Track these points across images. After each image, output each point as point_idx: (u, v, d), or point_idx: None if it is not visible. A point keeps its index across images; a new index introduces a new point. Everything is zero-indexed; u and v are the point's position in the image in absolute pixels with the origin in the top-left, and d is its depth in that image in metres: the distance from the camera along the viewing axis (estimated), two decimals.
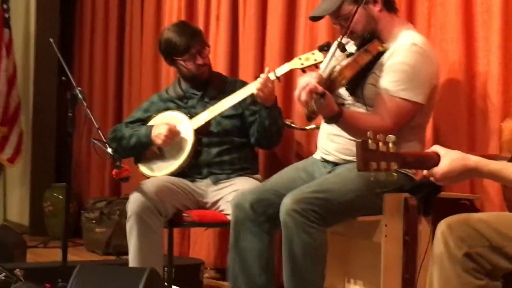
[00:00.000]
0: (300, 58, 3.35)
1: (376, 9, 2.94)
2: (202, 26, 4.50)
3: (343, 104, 2.91)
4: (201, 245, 4.39)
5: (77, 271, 2.84)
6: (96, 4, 5.92)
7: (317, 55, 3.29)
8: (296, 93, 2.72)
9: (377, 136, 1.94)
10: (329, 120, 2.79)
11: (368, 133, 1.93)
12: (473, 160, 2.05)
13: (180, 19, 4.72)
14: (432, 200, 2.75)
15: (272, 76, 3.36)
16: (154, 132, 3.52)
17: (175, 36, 3.59)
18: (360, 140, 1.91)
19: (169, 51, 3.63)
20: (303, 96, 2.67)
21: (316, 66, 3.28)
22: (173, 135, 3.50)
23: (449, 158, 2.04)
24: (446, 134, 3.21)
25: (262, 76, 3.33)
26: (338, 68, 2.85)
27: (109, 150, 3.26)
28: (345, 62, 2.86)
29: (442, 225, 2.02)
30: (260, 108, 3.46)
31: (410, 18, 3.37)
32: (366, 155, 1.90)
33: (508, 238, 1.97)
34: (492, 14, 3.08)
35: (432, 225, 2.81)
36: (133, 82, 5.44)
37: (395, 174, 1.96)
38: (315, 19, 3.09)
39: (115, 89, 5.64)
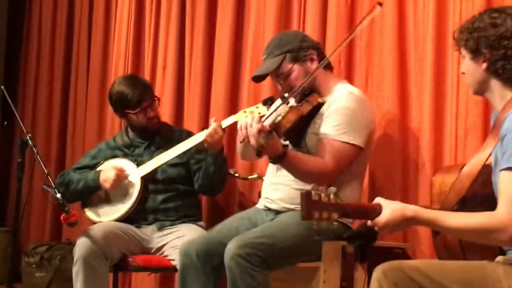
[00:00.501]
0: (245, 111, 3.47)
1: (312, 66, 3.15)
2: (148, 76, 4.60)
3: (287, 146, 3.08)
4: None
5: None
6: (41, 49, 5.87)
7: (261, 109, 3.42)
8: (242, 131, 2.86)
9: (320, 188, 2.10)
10: (274, 160, 2.94)
11: (312, 185, 2.09)
12: (412, 209, 2.22)
13: (126, 67, 4.82)
14: (368, 248, 2.91)
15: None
16: (103, 176, 3.62)
17: (127, 90, 3.71)
18: (304, 191, 2.07)
19: (121, 104, 3.74)
20: (253, 131, 2.81)
21: None
22: (122, 179, 3.61)
23: (390, 209, 2.20)
24: (382, 184, 3.41)
25: (213, 124, 3.44)
26: (282, 114, 3.03)
27: (59, 195, 3.34)
28: (287, 110, 3.05)
29: (378, 271, 2.19)
30: (207, 155, 3.59)
31: (349, 77, 3.60)
32: (309, 205, 2.06)
33: (438, 284, 2.14)
34: (424, 74, 3.32)
35: (367, 271, 2.94)
36: (77, 128, 5.41)
37: (335, 223, 2.13)
38: (257, 79, 3.28)
39: (58, 135, 5.57)
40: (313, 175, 2.94)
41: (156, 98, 3.83)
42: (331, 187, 2.14)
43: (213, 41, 4.35)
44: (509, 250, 2.30)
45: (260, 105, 3.43)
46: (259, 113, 3.43)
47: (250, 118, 2.91)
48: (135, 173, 3.66)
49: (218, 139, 3.45)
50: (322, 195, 2.09)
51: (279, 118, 3.03)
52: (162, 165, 3.65)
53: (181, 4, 4.53)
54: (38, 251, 5.24)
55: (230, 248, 2.91)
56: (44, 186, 3.40)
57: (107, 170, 3.64)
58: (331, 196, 2.11)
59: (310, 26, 3.79)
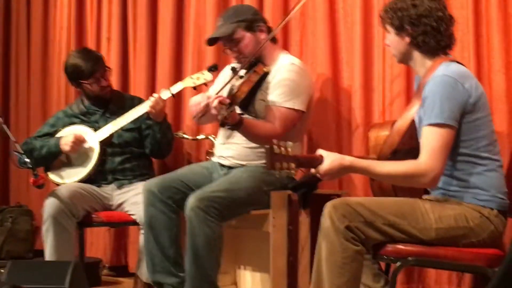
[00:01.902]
0: (191, 77, 3.82)
1: (261, 36, 3.53)
2: (93, 46, 4.80)
3: (242, 114, 3.46)
4: (97, 245, 4.78)
5: (10, 266, 3.17)
6: None
7: (207, 75, 3.77)
8: (202, 102, 3.20)
9: (280, 142, 2.51)
10: (233, 126, 3.29)
11: (274, 140, 2.50)
12: (348, 159, 2.65)
13: (69, 40, 5.04)
14: (310, 196, 3.35)
15: (167, 94, 3.84)
16: (63, 141, 3.92)
17: (81, 62, 4.00)
18: (268, 146, 2.48)
19: (75, 76, 4.04)
20: (215, 104, 3.15)
21: (205, 84, 3.77)
22: (80, 141, 3.92)
23: (330, 159, 2.62)
24: (319, 140, 3.83)
25: (155, 95, 3.82)
26: (236, 86, 3.41)
27: (27, 160, 3.63)
28: (240, 81, 3.44)
29: (328, 206, 2.62)
30: (152, 123, 3.94)
31: (286, 44, 3.98)
32: (272, 158, 2.48)
33: (377, 215, 2.59)
34: (354, 42, 3.74)
35: (310, 216, 3.38)
36: (20, 100, 5.47)
37: (293, 172, 2.55)
38: (211, 42, 3.61)
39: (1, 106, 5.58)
40: (264, 137, 3.29)
41: (107, 68, 4.13)
42: (288, 142, 2.56)
43: (156, 11, 4.61)
44: (432, 190, 2.78)
45: (205, 71, 3.77)
46: (205, 79, 3.77)
47: (200, 97, 3.25)
48: (93, 138, 3.98)
49: (160, 109, 3.80)
50: (282, 148, 2.51)
51: (234, 90, 3.40)
52: (117, 130, 3.97)
53: None
54: None
55: (190, 201, 3.28)
56: (15, 152, 3.67)
57: (67, 136, 3.94)
58: (289, 149, 2.53)
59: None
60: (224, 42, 3.57)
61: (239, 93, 3.38)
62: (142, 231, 3.71)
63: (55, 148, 3.95)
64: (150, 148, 4.05)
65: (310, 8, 3.93)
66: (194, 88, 3.82)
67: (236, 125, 3.26)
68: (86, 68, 4.00)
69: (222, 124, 3.30)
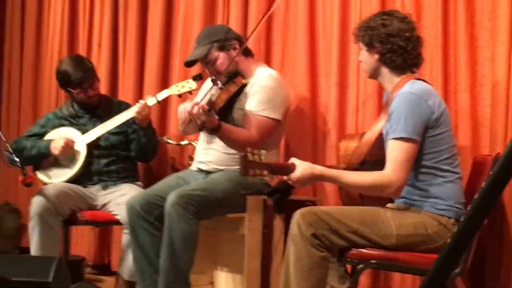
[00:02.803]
0: (177, 86, 3.99)
1: (235, 54, 3.69)
2: (84, 52, 4.98)
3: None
4: (82, 244, 4.94)
5: None
6: None
7: (191, 84, 3.94)
8: (188, 109, 3.35)
9: (254, 150, 2.70)
10: (211, 131, 3.46)
11: (248, 148, 2.68)
12: (319, 169, 2.83)
13: (62, 44, 5.20)
14: (284, 202, 3.53)
15: (153, 100, 4.02)
16: (53, 145, 4.08)
17: (72, 70, 4.14)
18: (242, 154, 2.67)
19: (65, 82, 4.19)
20: (195, 110, 3.32)
21: (190, 93, 3.94)
22: (69, 147, 4.10)
23: (302, 167, 2.80)
24: (295, 150, 4.01)
25: (141, 102, 3.99)
26: (215, 94, 3.60)
27: (17, 159, 3.79)
28: (219, 91, 3.63)
29: (296, 214, 2.80)
30: (138, 128, 4.11)
31: (268, 56, 4.17)
32: (246, 165, 2.66)
33: (341, 223, 2.78)
34: (331, 56, 3.91)
35: (284, 221, 3.55)
36: (11, 103, 5.61)
37: (267, 178, 2.74)
38: (189, 64, 3.80)
39: None
40: (241, 143, 3.46)
41: (97, 79, 4.28)
42: (262, 150, 2.75)
43: (146, 20, 4.80)
44: (396, 199, 2.97)
45: (190, 80, 3.95)
46: (190, 88, 3.95)
47: (188, 103, 3.41)
48: (81, 141, 4.15)
49: (146, 115, 3.97)
50: (256, 156, 2.70)
51: (214, 98, 3.59)
52: (104, 134, 4.14)
53: None
54: None
55: (171, 198, 3.45)
56: (5, 151, 3.84)
57: (57, 140, 4.10)
58: (262, 157, 2.72)
59: (233, 18, 4.33)
60: (201, 63, 3.77)
61: (218, 100, 3.57)
62: (125, 231, 3.89)
63: (45, 150, 4.11)
64: (135, 152, 4.22)
65: (292, 22, 4.12)
66: (179, 96, 4.00)
67: (214, 130, 3.43)
68: (76, 78, 4.14)
69: (201, 128, 3.45)
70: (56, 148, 4.07)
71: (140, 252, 3.65)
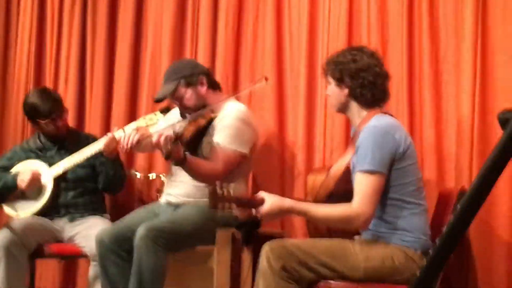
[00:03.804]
0: (145, 118, 4.00)
1: (203, 89, 3.74)
2: (50, 85, 4.89)
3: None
4: (47, 277, 4.87)
5: None
6: None
7: (159, 115, 3.95)
8: (155, 138, 3.33)
9: (223, 184, 2.72)
10: (176, 163, 3.46)
11: (217, 182, 2.71)
12: (288, 202, 2.86)
13: (28, 77, 5.14)
14: (252, 235, 3.53)
15: (120, 133, 4.02)
16: (20, 177, 4.07)
17: (40, 102, 4.13)
18: (211, 187, 2.69)
19: (33, 114, 4.18)
20: (161, 139, 3.30)
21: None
22: (36, 180, 4.08)
23: (271, 201, 2.83)
24: (263, 182, 4.05)
25: (109, 134, 3.99)
26: (182, 126, 3.61)
27: None
28: (187, 123, 3.64)
29: (265, 247, 2.83)
30: (105, 160, 4.11)
31: (236, 91, 4.21)
32: (215, 198, 2.69)
33: (310, 255, 2.80)
34: (298, 90, 3.98)
35: (252, 253, 3.55)
36: None
37: (234, 211, 2.76)
38: (158, 100, 3.81)
39: None
40: (207, 176, 3.49)
41: (65, 110, 4.28)
42: (230, 184, 2.77)
43: (114, 52, 4.79)
44: (363, 232, 3.01)
45: (158, 112, 3.96)
46: (157, 120, 3.97)
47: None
48: (48, 173, 4.14)
49: (113, 147, 3.95)
50: (224, 190, 2.72)
51: (181, 129, 3.61)
52: (72, 167, 4.14)
53: (82, 18, 4.89)
54: None
55: (140, 230, 3.45)
56: None
57: (24, 172, 4.09)
58: (230, 191, 2.75)
59: (201, 51, 4.38)
60: (170, 99, 3.78)
61: (185, 132, 3.56)
62: (92, 263, 3.87)
63: (11, 183, 4.09)
64: (102, 184, 4.21)
65: (259, 57, 4.18)
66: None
67: (180, 161, 3.43)
68: (44, 109, 4.13)
69: (167, 158, 3.41)
70: (23, 181, 4.05)
71: (109, 285, 3.63)
